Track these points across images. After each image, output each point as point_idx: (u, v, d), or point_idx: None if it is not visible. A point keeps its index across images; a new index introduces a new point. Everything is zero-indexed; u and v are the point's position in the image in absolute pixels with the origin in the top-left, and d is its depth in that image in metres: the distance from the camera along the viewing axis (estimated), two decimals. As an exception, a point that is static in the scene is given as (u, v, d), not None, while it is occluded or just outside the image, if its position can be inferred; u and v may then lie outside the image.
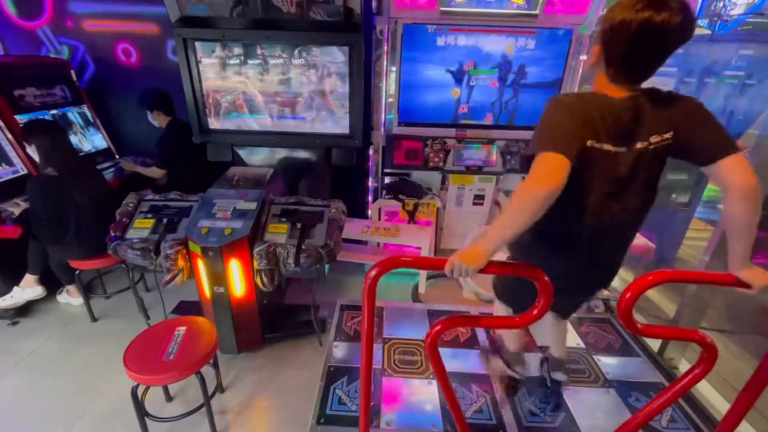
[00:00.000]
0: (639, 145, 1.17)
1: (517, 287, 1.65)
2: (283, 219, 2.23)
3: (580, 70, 2.89)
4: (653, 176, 1.26)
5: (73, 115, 3.18)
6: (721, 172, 1.12)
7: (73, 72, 3.21)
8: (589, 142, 1.14)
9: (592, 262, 1.38)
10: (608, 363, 2.26)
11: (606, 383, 2.12)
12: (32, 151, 2.32)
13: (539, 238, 1.36)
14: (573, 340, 2.43)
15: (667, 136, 1.17)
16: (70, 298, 2.79)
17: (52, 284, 2.73)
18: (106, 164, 3.25)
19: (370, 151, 3.18)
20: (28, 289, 2.64)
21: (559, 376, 1.99)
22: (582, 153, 1.13)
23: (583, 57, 2.85)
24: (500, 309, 1.93)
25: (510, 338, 2.06)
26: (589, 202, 1.23)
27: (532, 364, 2.25)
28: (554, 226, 1.23)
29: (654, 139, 1.17)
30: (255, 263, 2.09)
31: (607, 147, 1.16)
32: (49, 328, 2.61)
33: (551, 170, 1.06)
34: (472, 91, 2.94)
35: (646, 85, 1.20)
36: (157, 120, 2.95)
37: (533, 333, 2.38)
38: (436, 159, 3.03)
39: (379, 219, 3.21)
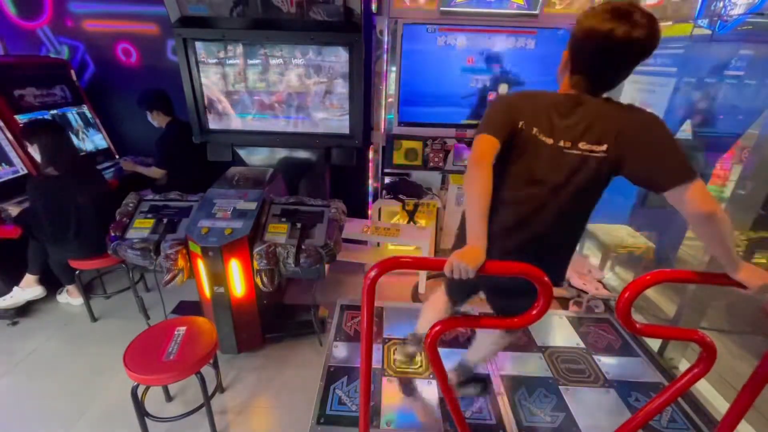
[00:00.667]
0: (562, 144, 1.17)
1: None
2: (283, 219, 2.23)
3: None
4: (580, 188, 1.19)
5: (73, 115, 3.18)
6: (676, 202, 1.07)
7: (73, 72, 3.21)
8: (520, 124, 1.20)
9: (520, 245, 1.31)
10: (608, 363, 2.26)
11: (606, 383, 2.12)
12: (33, 150, 2.32)
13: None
14: (573, 340, 2.44)
15: (599, 148, 1.12)
16: (70, 298, 2.79)
17: (52, 284, 2.73)
18: (106, 164, 3.25)
19: (370, 151, 3.18)
20: (28, 289, 2.64)
21: (465, 390, 1.96)
22: (514, 134, 1.20)
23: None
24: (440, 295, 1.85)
25: (427, 318, 1.94)
26: (514, 182, 1.27)
27: (532, 364, 2.25)
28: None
29: (582, 146, 1.14)
30: (255, 263, 2.09)
31: (535, 131, 1.19)
32: (49, 328, 2.61)
33: (480, 149, 1.17)
34: (473, 92, 2.94)
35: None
36: (157, 120, 2.95)
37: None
38: (436, 159, 3.03)
39: (379, 219, 3.21)
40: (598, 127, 1.13)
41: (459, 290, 1.76)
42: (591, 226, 3.32)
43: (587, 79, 1.17)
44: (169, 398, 2.10)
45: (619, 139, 1.11)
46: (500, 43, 2.79)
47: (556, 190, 1.22)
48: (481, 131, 1.19)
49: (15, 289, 2.62)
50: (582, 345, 2.39)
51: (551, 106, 1.19)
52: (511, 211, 1.28)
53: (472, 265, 1.07)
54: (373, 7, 2.73)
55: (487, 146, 1.16)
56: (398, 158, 3.06)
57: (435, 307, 1.88)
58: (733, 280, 1.15)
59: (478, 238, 1.10)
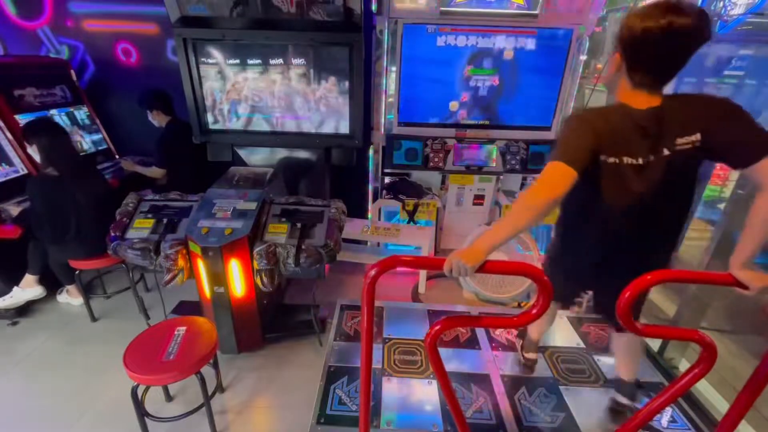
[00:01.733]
0: (666, 152, 1.19)
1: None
2: (283, 219, 2.23)
3: (580, 69, 2.89)
4: (686, 181, 1.27)
5: (73, 115, 3.18)
6: (759, 174, 1.12)
7: (73, 72, 3.21)
8: (602, 157, 1.19)
9: (616, 268, 1.39)
10: (608, 363, 2.26)
11: (606, 383, 2.12)
12: (33, 151, 2.32)
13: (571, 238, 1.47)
14: (573, 340, 2.44)
15: (694, 138, 1.17)
16: (70, 298, 2.79)
17: (52, 284, 2.73)
18: (106, 164, 3.25)
19: (370, 151, 3.18)
20: (29, 289, 2.64)
21: (624, 399, 1.86)
22: (597, 166, 1.19)
23: (583, 57, 2.85)
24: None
25: (533, 326, 2.08)
26: (606, 213, 1.28)
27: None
28: (578, 231, 1.31)
29: (680, 141, 1.18)
30: (255, 263, 2.09)
31: (627, 160, 1.19)
32: (49, 328, 2.61)
33: (555, 179, 1.13)
34: (473, 92, 2.94)
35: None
36: (157, 119, 2.96)
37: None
38: (436, 159, 3.03)
39: (379, 219, 3.21)
40: (687, 120, 1.18)
41: (564, 293, 1.78)
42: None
43: (651, 76, 1.19)
44: (169, 398, 2.10)
45: (710, 125, 1.16)
46: (500, 43, 2.78)
47: (667, 200, 1.25)
48: (558, 158, 1.15)
49: (15, 289, 2.62)
50: (582, 345, 2.39)
51: (632, 129, 1.19)
52: (614, 231, 1.33)
53: (470, 264, 1.09)
54: (373, 7, 2.73)
55: (563, 178, 1.13)
56: (398, 158, 3.06)
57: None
58: (732, 280, 1.15)
59: (489, 245, 1.12)
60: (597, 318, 2.64)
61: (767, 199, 1.12)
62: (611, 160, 1.20)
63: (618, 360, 1.90)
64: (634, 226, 1.31)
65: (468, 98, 2.96)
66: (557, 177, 1.14)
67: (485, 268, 1.12)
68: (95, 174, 2.63)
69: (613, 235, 1.34)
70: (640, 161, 1.21)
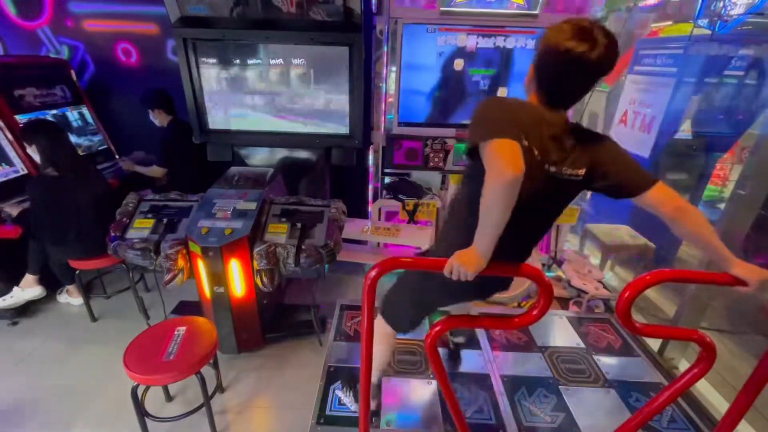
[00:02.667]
0: (553, 169, 1.17)
1: (403, 306, 1.65)
2: (283, 219, 2.23)
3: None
4: (555, 207, 1.29)
5: (73, 115, 3.18)
6: (647, 204, 1.18)
7: (73, 72, 3.21)
8: (524, 141, 1.10)
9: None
10: (608, 363, 2.26)
11: (606, 383, 2.12)
12: (32, 151, 2.32)
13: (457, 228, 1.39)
14: (573, 340, 2.44)
15: (580, 172, 1.18)
16: (70, 298, 2.79)
17: (52, 284, 2.73)
18: (106, 164, 3.25)
19: (370, 151, 3.18)
20: (28, 289, 2.64)
21: (459, 339, 2.19)
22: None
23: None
24: (379, 324, 1.68)
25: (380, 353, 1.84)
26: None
27: (532, 364, 2.25)
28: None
29: (567, 171, 1.18)
30: (255, 263, 2.09)
31: (535, 152, 1.13)
32: (49, 328, 2.61)
33: (513, 154, 1.01)
34: (473, 92, 2.94)
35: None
36: (158, 119, 2.96)
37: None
38: (436, 159, 3.03)
39: (379, 219, 3.21)
40: (579, 154, 1.18)
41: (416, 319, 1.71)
42: (591, 226, 3.32)
43: (551, 95, 1.19)
44: (169, 398, 2.10)
45: (598, 162, 1.18)
46: (500, 43, 2.78)
47: (533, 208, 1.21)
48: (500, 134, 1.03)
49: (15, 289, 2.62)
50: (582, 345, 2.39)
51: (546, 125, 1.16)
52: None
53: (471, 270, 1.09)
54: (373, 7, 2.73)
55: (518, 151, 1.01)
56: (398, 158, 3.06)
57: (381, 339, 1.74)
58: (734, 279, 1.15)
59: (487, 249, 1.10)
60: (597, 318, 2.65)
61: (678, 224, 1.16)
62: (525, 143, 1.09)
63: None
64: (520, 222, 1.19)
65: (468, 98, 2.96)
66: (511, 152, 1.01)
67: (484, 270, 1.12)
68: (95, 174, 2.62)
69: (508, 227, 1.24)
70: (538, 158, 1.14)
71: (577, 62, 1.07)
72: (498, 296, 2.84)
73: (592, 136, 1.22)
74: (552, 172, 1.17)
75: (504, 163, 1.00)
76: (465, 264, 1.08)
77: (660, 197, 1.16)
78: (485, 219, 1.09)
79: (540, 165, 1.15)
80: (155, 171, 3.01)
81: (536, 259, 2.78)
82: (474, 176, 1.16)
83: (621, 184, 1.20)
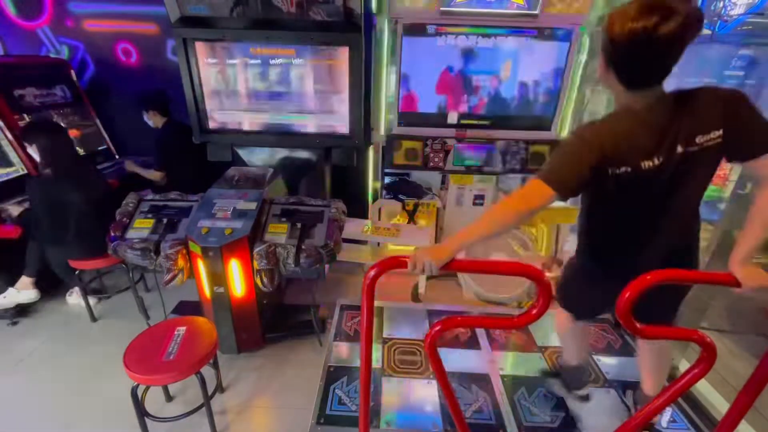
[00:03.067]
0: (680, 149, 1.14)
1: (575, 287, 1.69)
2: (283, 219, 2.23)
3: (580, 70, 2.89)
4: (706, 177, 1.23)
5: (73, 115, 3.18)
6: (760, 168, 1.12)
7: (73, 72, 3.21)
8: (611, 170, 1.16)
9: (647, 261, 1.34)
10: (608, 363, 2.26)
11: (606, 383, 2.12)
12: (32, 151, 2.32)
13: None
14: (573, 340, 2.43)
15: (716, 134, 1.13)
16: (80, 298, 2.77)
17: (50, 286, 2.73)
18: (106, 164, 3.25)
19: (370, 151, 3.17)
20: (24, 291, 2.62)
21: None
22: (606, 179, 1.17)
23: (583, 56, 2.84)
24: (560, 315, 1.86)
25: (567, 345, 1.97)
26: (629, 218, 1.28)
27: (532, 364, 2.25)
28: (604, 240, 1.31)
29: (700, 139, 1.13)
30: (255, 263, 2.09)
31: (646, 165, 1.15)
32: (49, 328, 2.61)
33: (534, 196, 1.13)
34: (473, 92, 2.94)
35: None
36: (153, 120, 2.95)
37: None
38: (436, 159, 3.03)
39: (379, 219, 3.21)
40: (705, 117, 1.13)
41: (584, 309, 1.76)
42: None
43: (641, 77, 1.14)
44: (169, 398, 2.10)
45: (727, 120, 1.12)
46: (500, 43, 2.78)
47: (686, 197, 1.24)
48: (544, 177, 1.14)
49: (9, 290, 2.61)
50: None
51: (641, 131, 1.15)
52: (636, 233, 1.32)
53: (436, 261, 1.11)
54: (373, 6, 2.73)
55: (541, 198, 1.13)
56: (398, 158, 3.06)
57: (566, 332, 1.90)
58: (732, 279, 1.15)
59: (458, 245, 1.14)
60: (597, 318, 2.64)
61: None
62: (622, 169, 1.15)
63: (643, 371, 1.83)
64: (656, 228, 1.29)
65: (468, 98, 2.96)
66: (536, 195, 1.13)
67: (449, 265, 1.13)
68: (95, 174, 2.63)
69: (639, 238, 1.32)
70: (656, 161, 1.15)
71: (668, 36, 1.00)
72: (498, 296, 2.85)
73: (716, 95, 1.14)
74: (681, 153, 1.14)
75: (524, 199, 1.15)
76: (431, 256, 1.11)
77: None
78: (477, 226, 1.15)
79: (659, 166, 1.16)
80: (154, 175, 3.00)
81: (535, 257, 2.77)
82: (586, 192, 1.29)
83: (743, 142, 1.12)
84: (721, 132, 1.13)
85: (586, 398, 1.97)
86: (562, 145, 1.22)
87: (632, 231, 1.32)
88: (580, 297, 1.70)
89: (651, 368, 1.79)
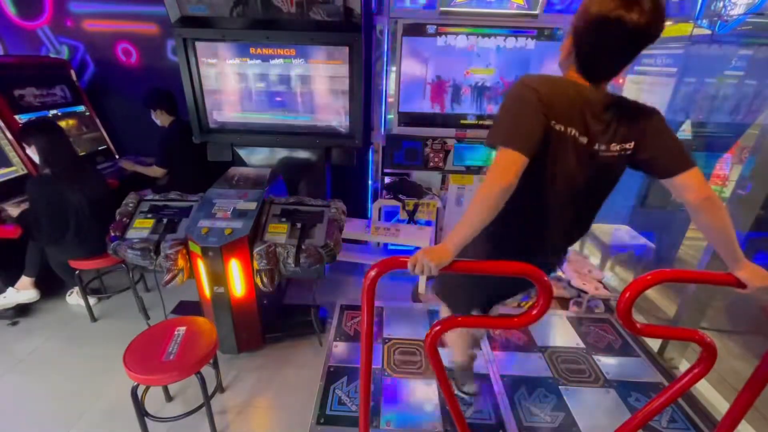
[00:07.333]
0: (603, 148, 1.15)
1: (455, 289, 1.67)
2: (283, 219, 2.23)
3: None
4: (612, 185, 1.26)
5: (73, 115, 3.18)
6: (676, 188, 1.15)
7: (73, 72, 3.21)
8: (554, 124, 1.11)
9: (544, 246, 1.36)
10: (608, 363, 2.26)
11: (606, 383, 2.12)
12: (32, 151, 2.32)
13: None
14: (573, 340, 2.44)
15: (629, 146, 1.16)
16: (79, 298, 2.78)
17: (50, 286, 2.73)
18: (106, 164, 3.25)
19: (370, 151, 3.18)
20: (23, 291, 2.62)
21: (469, 388, 1.93)
22: (547, 135, 1.11)
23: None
24: (444, 312, 1.84)
25: (456, 344, 1.93)
26: (542, 185, 1.21)
27: (532, 364, 2.25)
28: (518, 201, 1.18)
29: (614, 147, 1.16)
30: (255, 263, 2.09)
31: (572, 132, 1.12)
32: (49, 328, 2.61)
33: (506, 167, 1.07)
34: (473, 91, 2.94)
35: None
36: (160, 119, 2.96)
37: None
38: (436, 159, 3.03)
39: (379, 219, 3.21)
40: (626, 127, 1.15)
41: (466, 304, 1.71)
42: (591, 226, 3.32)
43: (591, 68, 1.14)
44: (169, 398, 2.10)
45: (642, 136, 1.15)
46: (500, 43, 2.78)
47: (583, 189, 1.22)
48: (506, 144, 1.07)
49: (9, 290, 2.61)
50: (582, 345, 2.39)
51: (584, 104, 1.13)
52: (538, 215, 1.28)
53: (435, 262, 1.09)
54: (373, 7, 2.73)
55: (514, 166, 1.07)
56: (398, 158, 3.06)
57: (453, 330, 1.85)
58: (733, 279, 1.15)
59: (456, 245, 1.11)
60: (597, 318, 2.64)
61: (700, 215, 1.14)
62: (558, 127, 1.12)
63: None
64: (567, 224, 1.29)
65: (468, 98, 2.96)
66: (508, 165, 1.07)
67: (452, 266, 1.12)
68: (94, 174, 2.62)
69: (551, 232, 1.30)
70: (585, 141, 1.14)
71: (628, 30, 1.01)
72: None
73: (640, 109, 1.18)
74: (603, 153, 1.16)
75: (497, 174, 1.07)
76: (430, 257, 1.09)
77: (691, 183, 1.12)
78: (466, 218, 1.12)
79: (588, 149, 1.15)
80: (154, 171, 3.01)
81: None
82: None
83: (657, 161, 1.16)
84: (632, 145, 1.15)
85: (473, 395, 1.96)
86: (513, 100, 1.15)
87: (548, 222, 1.28)
88: (461, 291, 1.67)
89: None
